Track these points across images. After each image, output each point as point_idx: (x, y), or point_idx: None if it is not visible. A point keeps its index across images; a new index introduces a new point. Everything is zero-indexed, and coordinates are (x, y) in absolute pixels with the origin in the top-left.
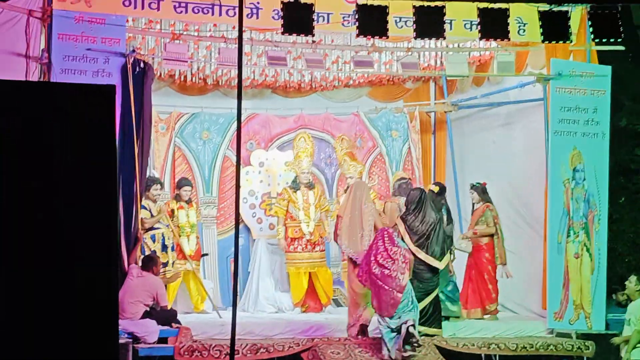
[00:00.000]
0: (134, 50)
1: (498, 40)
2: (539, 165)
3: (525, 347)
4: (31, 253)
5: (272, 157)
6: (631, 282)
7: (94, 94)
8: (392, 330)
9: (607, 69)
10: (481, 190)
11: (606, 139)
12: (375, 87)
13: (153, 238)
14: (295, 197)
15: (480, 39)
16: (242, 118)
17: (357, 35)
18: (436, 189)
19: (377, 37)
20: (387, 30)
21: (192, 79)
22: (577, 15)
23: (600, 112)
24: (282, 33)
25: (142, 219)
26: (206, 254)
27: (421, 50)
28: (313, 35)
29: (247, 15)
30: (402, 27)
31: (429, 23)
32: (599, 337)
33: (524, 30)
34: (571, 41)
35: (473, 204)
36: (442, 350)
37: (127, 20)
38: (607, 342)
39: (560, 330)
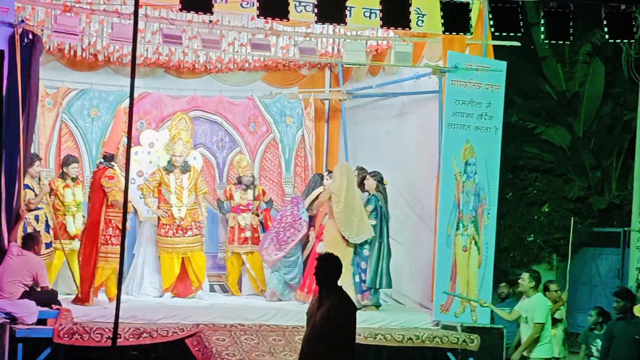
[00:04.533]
0: (22, 21)
1: (398, 29)
2: (431, 157)
3: (411, 339)
4: None
5: (163, 138)
6: (524, 280)
7: None
8: None
9: (503, 64)
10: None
11: (499, 134)
12: (271, 72)
13: (37, 218)
14: (168, 180)
15: (382, 26)
16: (134, 96)
17: (258, 16)
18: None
19: (278, 19)
20: (288, 12)
21: (82, 54)
22: (475, 9)
23: (494, 106)
24: (180, 10)
25: (28, 199)
26: None
27: (319, 37)
28: (212, 14)
29: None
30: (301, 11)
31: (330, 7)
32: (484, 330)
33: (423, 21)
34: (471, 33)
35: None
36: None
37: None
38: (491, 335)
39: (446, 323)
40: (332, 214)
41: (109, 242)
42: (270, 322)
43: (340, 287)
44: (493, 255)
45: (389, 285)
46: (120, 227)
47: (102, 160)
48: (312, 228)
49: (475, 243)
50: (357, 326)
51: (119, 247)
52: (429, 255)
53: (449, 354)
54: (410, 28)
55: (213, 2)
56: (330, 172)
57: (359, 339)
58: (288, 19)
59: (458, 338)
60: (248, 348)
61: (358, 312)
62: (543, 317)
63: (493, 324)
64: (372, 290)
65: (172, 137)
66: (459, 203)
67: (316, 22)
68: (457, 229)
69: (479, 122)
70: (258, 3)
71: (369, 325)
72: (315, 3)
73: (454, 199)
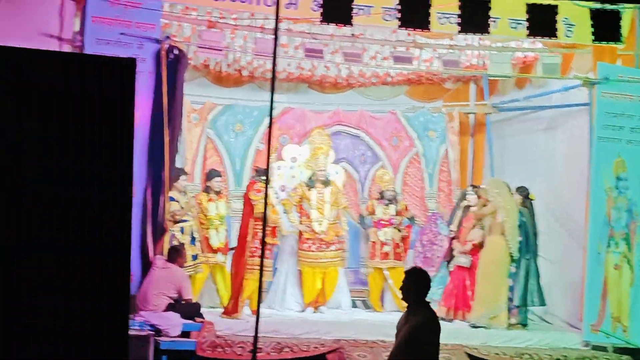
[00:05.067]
0: (168, 37)
1: (545, 39)
2: (580, 172)
3: (559, 359)
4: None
5: (305, 153)
6: None
7: (115, 66)
8: None
9: None
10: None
11: None
12: (414, 86)
13: (182, 230)
14: (309, 195)
15: (528, 36)
16: (277, 112)
17: (399, 27)
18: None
19: (419, 29)
20: (429, 23)
21: (227, 69)
22: (628, 18)
23: None
24: (321, 22)
25: (172, 211)
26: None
27: (463, 48)
28: (352, 26)
29: (285, 5)
30: (444, 23)
31: (474, 17)
32: (636, 351)
33: (572, 32)
34: (623, 43)
35: (468, 207)
36: (473, 358)
37: (163, 6)
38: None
39: (596, 344)
40: (495, 229)
41: (256, 254)
42: None
43: (429, 303)
44: None
45: (543, 303)
46: (266, 241)
47: (255, 174)
48: (455, 240)
49: (628, 261)
50: (503, 345)
51: (266, 260)
52: (578, 273)
53: None
54: (557, 37)
55: (353, 15)
56: (474, 187)
57: (504, 359)
58: (429, 29)
59: (608, 359)
60: None
61: (504, 332)
62: None
63: None
64: (520, 308)
65: (312, 153)
66: (610, 219)
67: (459, 33)
68: (608, 246)
69: (631, 136)
70: (399, 14)
71: (516, 344)
72: (459, 14)
73: (604, 215)
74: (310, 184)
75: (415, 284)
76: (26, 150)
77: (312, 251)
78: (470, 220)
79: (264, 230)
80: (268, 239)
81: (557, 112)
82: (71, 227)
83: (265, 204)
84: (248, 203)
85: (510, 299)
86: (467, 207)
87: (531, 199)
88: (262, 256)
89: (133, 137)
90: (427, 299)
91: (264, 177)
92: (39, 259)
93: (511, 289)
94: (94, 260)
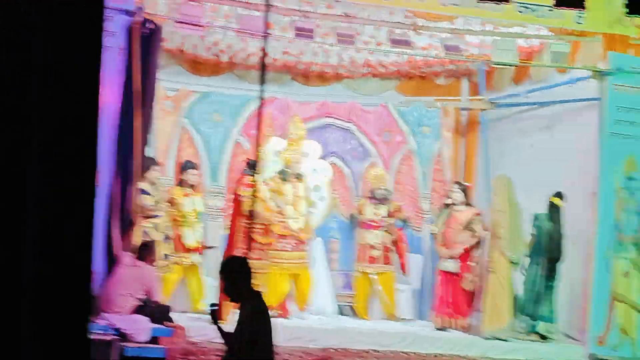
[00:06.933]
0: (141, 9)
1: (572, 9)
2: (583, 173)
3: None
4: None
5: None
6: None
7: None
8: None
9: None
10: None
11: None
12: (405, 81)
13: (155, 227)
14: (284, 189)
15: (556, 5)
16: (258, 103)
17: None
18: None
19: None
20: None
21: (204, 54)
22: None
23: None
24: None
25: (144, 205)
26: (212, 247)
27: (465, 33)
28: None
29: None
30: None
31: None
32: None
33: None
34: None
35: (451, 204)
36: None
37: None
38: None
39: (602, 357)
40: (494, 234)
41: (251, 256)
42: (407, 350)
43: (258, 292)
44: None
45: (550, 319)
46: (260, 240)
47: (246, 168)
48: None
49: (638, 268)
50: (501, 357)
51: (257, 261)
52: (580, 282)
53: None
54: (584, 8)
55: None
56: (458, 183)
57: None
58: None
59: None
60: None
61: (503, 343)
62: None
63: None
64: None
65: (288, 144)
66: (620, 223)
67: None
68: (617, 251)
69: None
70: None
71: (515, 356)
72: None
73: (613, 218)
74: (285, 177)
75: (233, 276)
76: None
77: (287, 251)
78: (457, 220)
79: (250, 230)
80: (262, 239)
81: (559, 108)
82: (25, 218)
83: (253, 197)
84: (237, 199)
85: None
86: (451, 206)
87: (554, 203)
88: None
89: (98, 114)
90: None
91: (254, 171)
92: None
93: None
94: (52, 256)
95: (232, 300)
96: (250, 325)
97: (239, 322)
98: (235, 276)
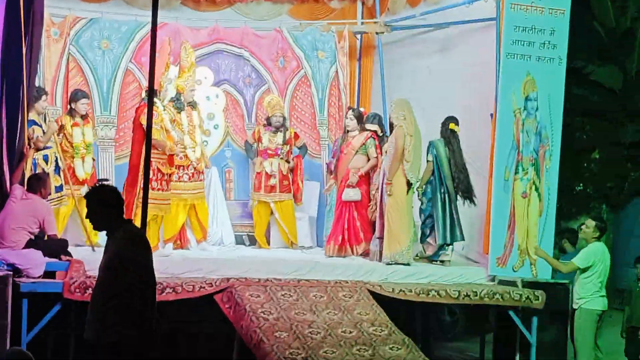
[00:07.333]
0: None
1: None
2: (480, 95)
3: (469, 295)
4: None
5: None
6: (589, 228)
7: None
8: None
9: None
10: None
11: (563, 65)
12: (297, 5)
13: (45, 158)
14: (180, 119)
15: None
16: (146, 29)
17: None
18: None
19: None
20: None
21: None
22: None
23: (558, 34)
24: None
25: (36, 137)
26: (105, 179)
27: None
28: None
29: None
30: None
31: None
32: (547, 286)
33: None
34: None
35: (347, 131)
36: (375, 295)
37: None
38: (555, 291)
39: (502, 278)
40: (397, 157)
41: (156, 188)
42: (308, 277)
43: (129, 220)
44: (555, 202)
45: (462, 238)
46: (163, 170)
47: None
48: (332, 176)
49: (536, 189)
50: (403, 281)
51: (160, 192)
52: (481, 205)
53: (511, 313)
54: None
55: None
56: (352, 109)
57: (410, 296)
58: None
59: (521, 295)
60: (286, 305)
61: (405, 267)
62: (583, 262)
63: (555, 279)
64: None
65: (180, 69)
66: (518, 144)
67: None
68: (516, 172)
69: (542, 52)
70: None
71: (417, 280)
72: None
73: (512, 139)
74: (179, 106)
75: (101, 205)
76: None
77: (184, 181)
78: (350, 145)
79: (147, 157)
80: (165, 168)
81: (453, 31)
82: None
83: (149, 128)
84: (139, 128)
85: (425, 235)
86: (346, 131)
87: (452, 130)
88: (145, 188)
89: None
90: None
91: (156, 99)
92: None
93: (426, 224)
94: None
95: (97, 229)
96: (126, 250)
97: (113, 253)
98: (105, 206)
